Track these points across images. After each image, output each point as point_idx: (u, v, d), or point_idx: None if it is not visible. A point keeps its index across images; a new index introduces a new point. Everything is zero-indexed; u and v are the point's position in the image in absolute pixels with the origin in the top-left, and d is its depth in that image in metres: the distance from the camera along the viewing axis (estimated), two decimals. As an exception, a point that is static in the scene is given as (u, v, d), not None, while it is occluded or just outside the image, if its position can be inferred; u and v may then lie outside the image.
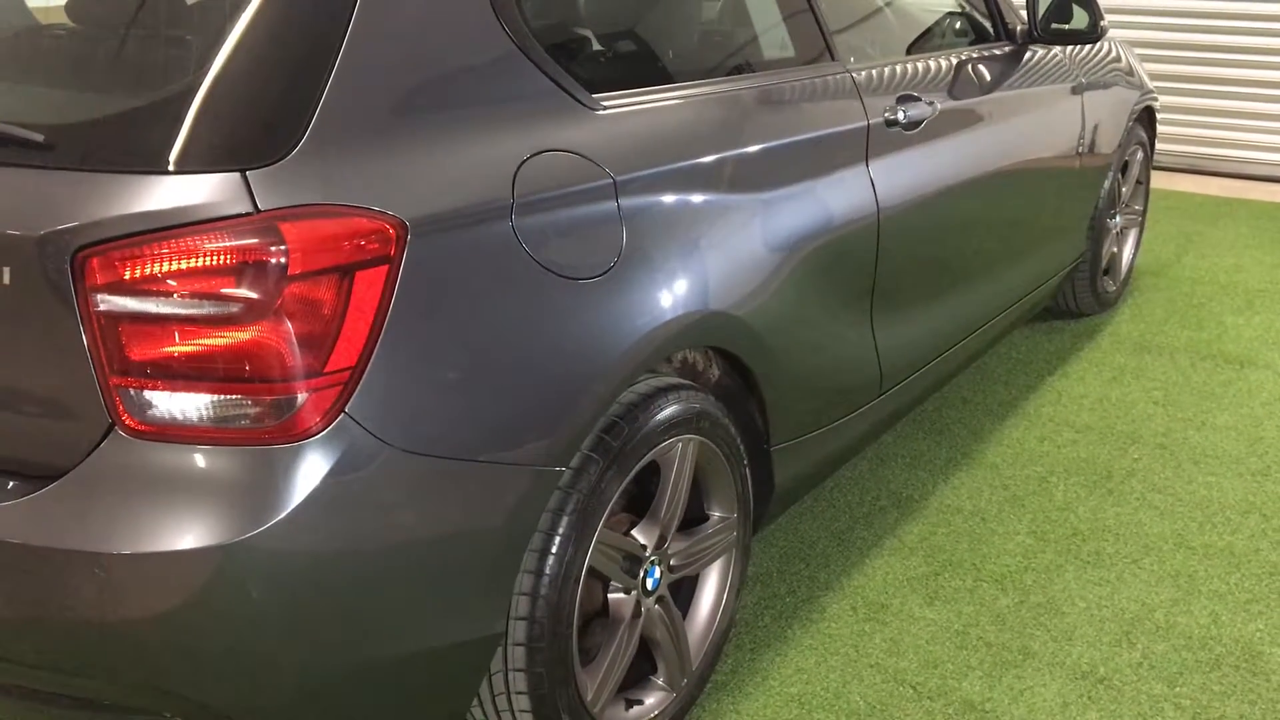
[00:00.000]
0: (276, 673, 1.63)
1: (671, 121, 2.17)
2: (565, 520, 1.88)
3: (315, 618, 1.63)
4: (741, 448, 2.28)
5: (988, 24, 3.42)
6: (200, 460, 1.57)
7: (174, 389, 1.57)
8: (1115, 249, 4.45)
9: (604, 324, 1.90)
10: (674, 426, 2.07)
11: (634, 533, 2.11)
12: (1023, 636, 2.57)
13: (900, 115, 2.69)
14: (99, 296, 1.55)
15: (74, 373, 1.58)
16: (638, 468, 2.02)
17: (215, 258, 1.54)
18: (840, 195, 2.50)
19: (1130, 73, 4.26)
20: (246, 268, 1.55)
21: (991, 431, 3.54)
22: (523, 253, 1.80)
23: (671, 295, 2.03)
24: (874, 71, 2.73)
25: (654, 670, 2.23)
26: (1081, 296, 4.31)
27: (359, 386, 1.60)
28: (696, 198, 2.13)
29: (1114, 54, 4.17)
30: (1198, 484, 3.22)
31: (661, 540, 2.15)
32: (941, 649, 2.53)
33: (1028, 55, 3.47)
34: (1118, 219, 4.39)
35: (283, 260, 1.55)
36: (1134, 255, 4.66)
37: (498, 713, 1.97)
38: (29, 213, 1.58)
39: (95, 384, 1.57)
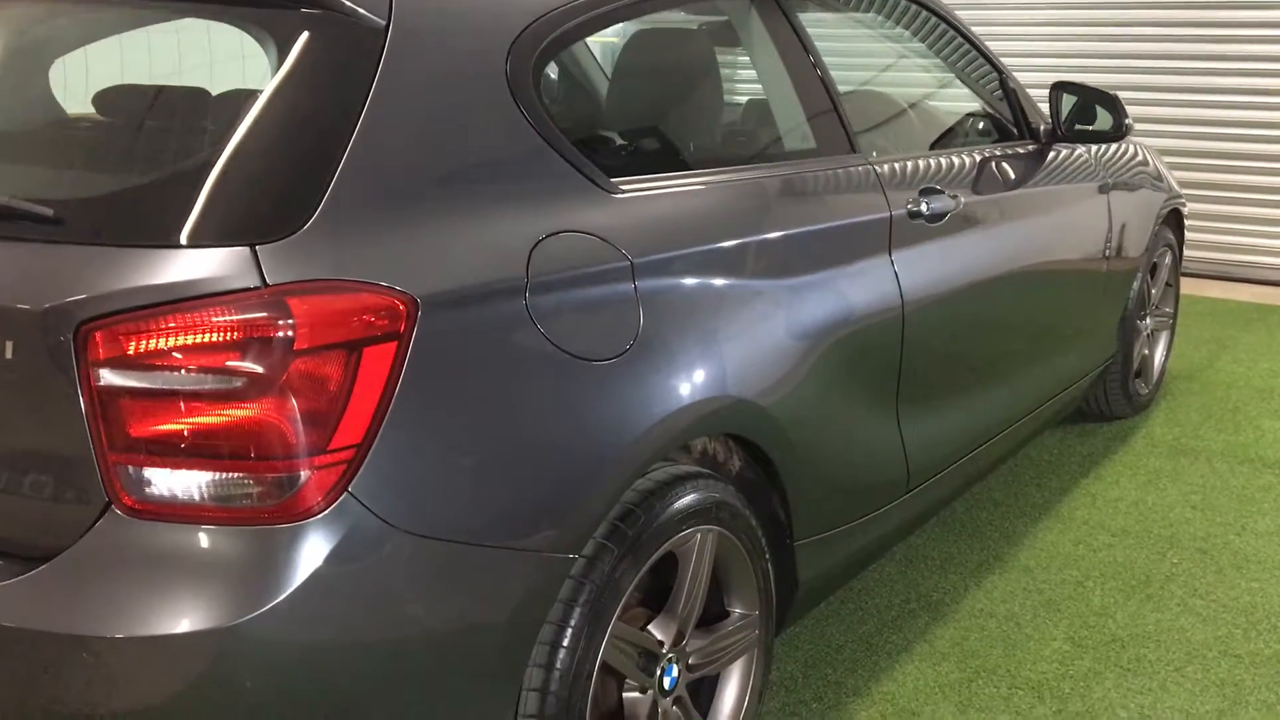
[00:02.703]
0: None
1: (691, 206, 2.15)
2: (577, 611, 1.81)
3: (311, 709, 1.55)
4: (763, 541, 2.21)
5: (1011, 124, 3.41)
6: (198, 540, 1.52)
7: (173, 466, 1.52)
8: (1146, 351, 4.38)
9: (620, 407, 1.85)
10: (692, 516, 2.00)
11: (650, 628, 2.03)
12: (1061, 747, 2.44)
13: (923, 207, 2.66)
14: (100, 371, 1.52)
15: (72, 449, 1.54)
16: (654, 558, 1.95)
17: (220, 332, 1.51)
18: (863, 285, 2.46)
19: (1157, 176, 4.24)
20: (252, 342, 1.51)
21: (1024, 534, 3.43)
22: (536, 333, 1.76)
23: (690, 380, 1.98)
24: (896, 165, 2.71)
25: (671, 778, 2.12)
26: (1113, 399, 4.23)
27: (363, 465, 1.55)
28: (717, 282, 2.09)
29: (1140, 157, 4.16)
30: (1240, 590, 3.10)
31: (679, 637, 2.06)
32: (975, 759, 2.41)
33: (1052, 154, 3.46)
34: (1148, 321, 4.33)
35: (289, 335, 1.52)
36: (1165, 358, 4.58)
37: (502, 822, 1.87)
38: (34, 286, 1.56)
39: (93, 461, 1.53)
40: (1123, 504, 3.64)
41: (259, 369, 1.51)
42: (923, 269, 2.65)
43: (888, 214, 2.56)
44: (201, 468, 1.52)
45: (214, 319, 1.51)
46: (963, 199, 2.83)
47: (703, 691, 2.21)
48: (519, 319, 1.74)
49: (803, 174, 2.45)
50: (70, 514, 1.55)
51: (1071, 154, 3.57)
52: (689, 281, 2.04)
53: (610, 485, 1.83)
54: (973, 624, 2.93)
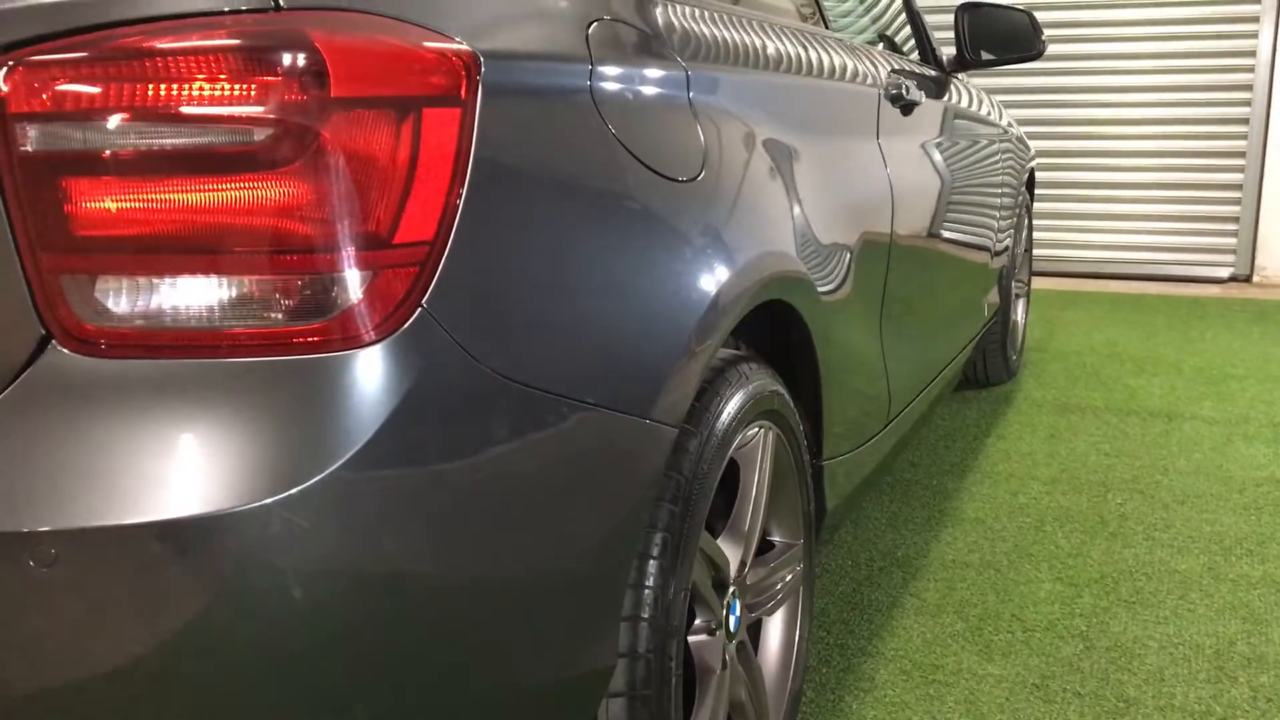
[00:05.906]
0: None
1: (732, 31, 1.75)
2: (665, 510, 1.35)
3: (385, 624, 1.03)
4: (806, 448, 1.81)
5: (917, 49, 3.19)
6: (194, 381, 0.98)
7: (150, 272, 0.99)
8: (1013, 317, 4.28)
9: (704, 239, 1.42)
10: (756, 407, 1.59)
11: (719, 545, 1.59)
12: (1111, 683, 2.14)
13: (903, 90, 2.36)
14: (27, 129, 0.97)
15: (-19, 255, 0.98)
16: (729, 454, 1.52)
17: (221, 66, 0.99)
18: (864, 163, 2.13)
19: (1020, 136, 4.16)
20: (270, 84, 1.00)
21: (958, 490, 3.17)
22: (606, 130, 1.31)
23: (758, 224, 1.57)
24: (866, 46, 2.41)
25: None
26: (992, 363, 4.09)
27: (439, 273, 1.06)
28: (762, 116, 1.70)
29: (1007, 118, 4.07)
30: (1197, 521, 2.93)
31: (742, 564, 1.63)
32: (1030, 706, 2.07)
33: (953, 86, 3.26)
34: (1013, 285, 4.23)
35: (321, 77, 1.02)
36: (1025, 324, 4.51)
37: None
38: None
39: (20, 272, 0.97)
40: (1037, 456, 3.46)
41: (285, 117, 1.00)
42: (900, 160, 2.35)
43: (877, 89, 2.25)
44: (196, 272, 0.99)
45: (209, 43, 0.99)
46: (922, 98, 2.56)
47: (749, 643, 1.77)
48: (585, 108, 1.29)
49: (817, 33, 2.10)
50: None
51: (966, 90, 3.40)
52: (739, 110, 1.63)
53: (700, 342, 1.39)
54: (953, 575, 2.62)
